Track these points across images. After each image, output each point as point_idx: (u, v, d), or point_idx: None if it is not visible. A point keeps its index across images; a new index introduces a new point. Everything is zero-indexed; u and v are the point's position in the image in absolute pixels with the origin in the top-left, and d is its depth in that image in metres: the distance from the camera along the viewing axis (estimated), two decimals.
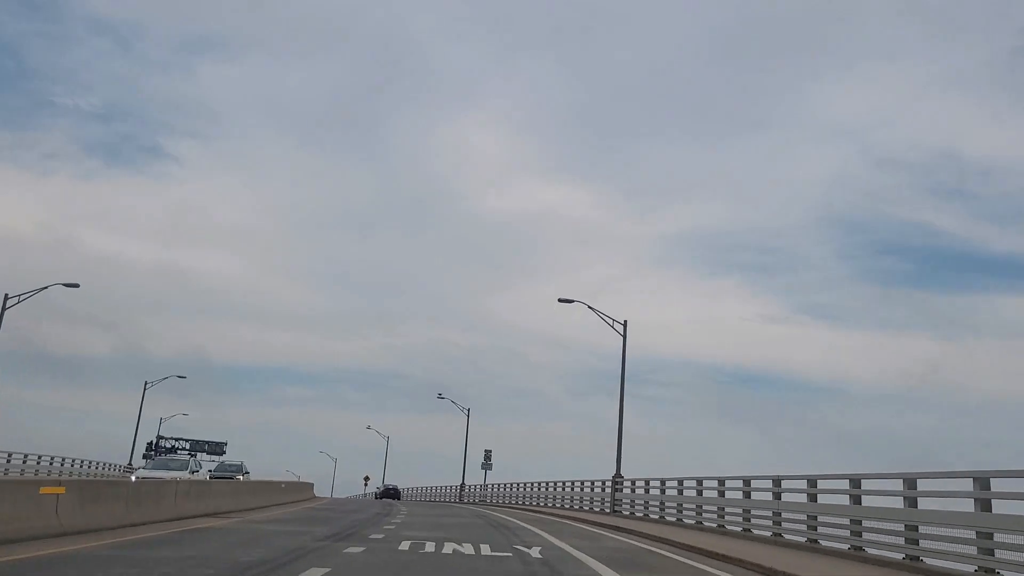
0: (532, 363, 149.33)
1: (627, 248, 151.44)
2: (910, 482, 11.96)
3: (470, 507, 41.64)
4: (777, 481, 16.71)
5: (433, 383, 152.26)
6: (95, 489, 14.52)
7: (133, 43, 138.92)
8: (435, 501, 63.43)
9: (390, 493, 69.50)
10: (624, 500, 29.33)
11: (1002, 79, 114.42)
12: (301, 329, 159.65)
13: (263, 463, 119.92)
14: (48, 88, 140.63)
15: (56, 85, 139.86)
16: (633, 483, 29.07)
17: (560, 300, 35.77)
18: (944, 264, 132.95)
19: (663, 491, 24.78)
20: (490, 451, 56.01)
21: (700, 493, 21.36)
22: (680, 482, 23.16)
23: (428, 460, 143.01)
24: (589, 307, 34.40)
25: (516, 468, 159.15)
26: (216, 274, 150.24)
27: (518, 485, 47.68)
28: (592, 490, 34.01)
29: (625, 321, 33.60)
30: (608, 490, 31.40)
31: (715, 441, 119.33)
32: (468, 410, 59.82)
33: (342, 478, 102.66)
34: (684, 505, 22.44)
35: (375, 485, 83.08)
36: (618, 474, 31.06)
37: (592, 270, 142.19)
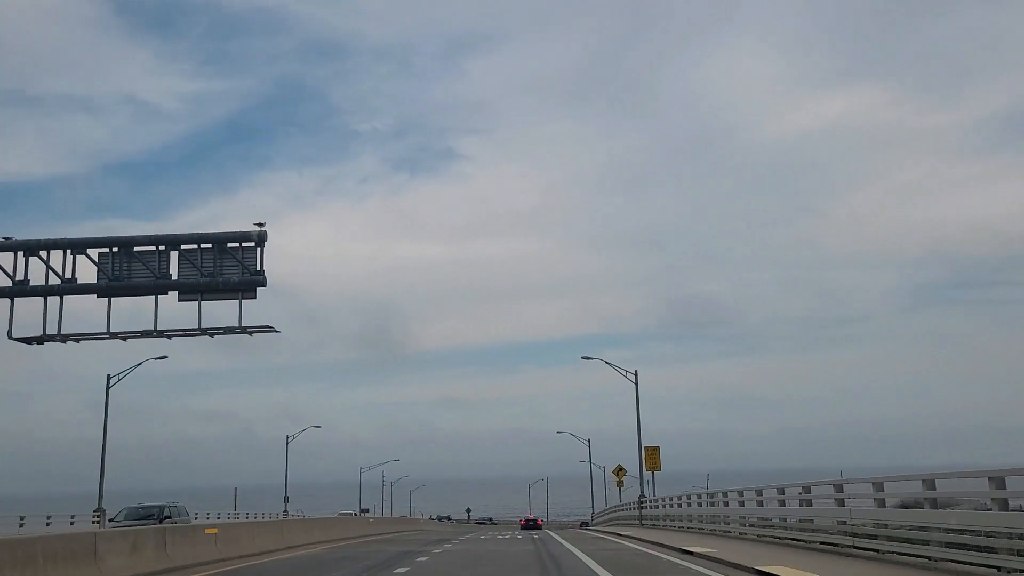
0: None
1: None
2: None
3: None
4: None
5: None
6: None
7: (410, 60, 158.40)
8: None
9: (530, 524, 66.66)
10: None
11: None
12: None
13: None
14: (349, 120, 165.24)
15: (354, 116, 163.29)
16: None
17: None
18: None
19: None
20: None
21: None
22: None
23: None
24: None
25: None
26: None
27: None
28: None
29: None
30: None
31: None
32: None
33: None
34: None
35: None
36: None
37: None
